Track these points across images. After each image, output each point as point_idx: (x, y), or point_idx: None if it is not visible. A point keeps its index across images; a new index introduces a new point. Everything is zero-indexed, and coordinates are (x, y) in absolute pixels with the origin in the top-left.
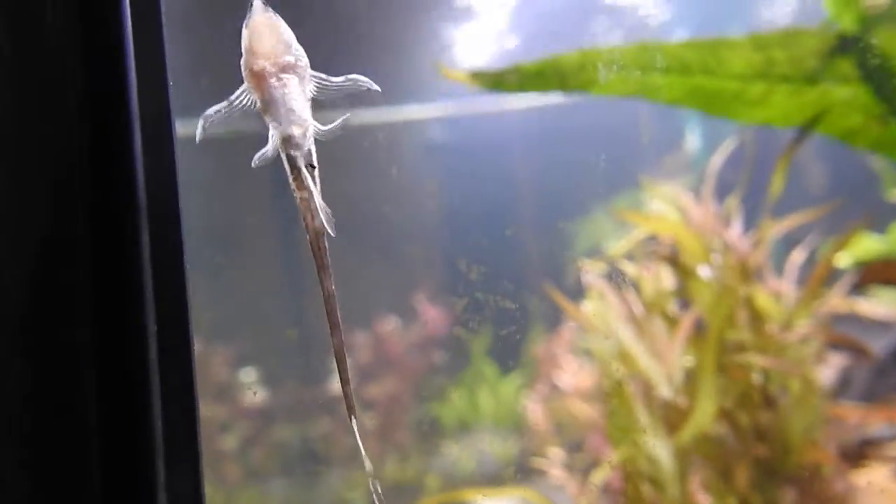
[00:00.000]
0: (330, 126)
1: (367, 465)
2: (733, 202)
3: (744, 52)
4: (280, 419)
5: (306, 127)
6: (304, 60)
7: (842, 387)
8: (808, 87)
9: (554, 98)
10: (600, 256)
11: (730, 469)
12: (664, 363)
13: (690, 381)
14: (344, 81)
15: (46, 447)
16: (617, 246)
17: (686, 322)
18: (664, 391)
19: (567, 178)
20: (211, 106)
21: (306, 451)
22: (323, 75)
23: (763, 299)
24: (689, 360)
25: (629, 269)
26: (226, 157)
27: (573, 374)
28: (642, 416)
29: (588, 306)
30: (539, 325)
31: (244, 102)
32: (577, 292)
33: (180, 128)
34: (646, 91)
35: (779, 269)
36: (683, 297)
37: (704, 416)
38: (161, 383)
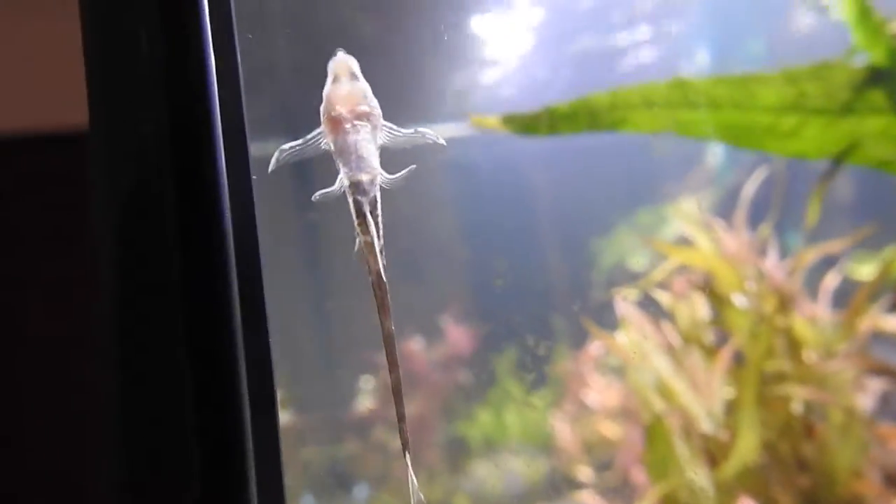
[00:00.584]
0: (396, 175)
1: (421, 498)
2: (766, 230)
3: (775, 85)
4: (308, 440)
5: (375, 175)
6: (378, 111)
7: (881, 410)
8: (841, 118)
9: None
10: (626, 276)
11: (773, 501)
12: (704, 396)
13: (731, 413)
14: (412, 133)
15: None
16: (647, 270)
17: (725, 354)
18: (706, 425)
19: (589, 193)
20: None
21: (335, 472)
22: (393, 125)
23: (801, 327)
24: (729, 392)
25: (663, 297)
26: (258, 185)
27: (601, 392)
28: (682, 450)
29: (623, 337)
30: (565, 343)
31: (318, 143)
32: (604, 310)
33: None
34: (677, 128)
35: (808, 284)
36: (719, 326)
37: (748, 450)
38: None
